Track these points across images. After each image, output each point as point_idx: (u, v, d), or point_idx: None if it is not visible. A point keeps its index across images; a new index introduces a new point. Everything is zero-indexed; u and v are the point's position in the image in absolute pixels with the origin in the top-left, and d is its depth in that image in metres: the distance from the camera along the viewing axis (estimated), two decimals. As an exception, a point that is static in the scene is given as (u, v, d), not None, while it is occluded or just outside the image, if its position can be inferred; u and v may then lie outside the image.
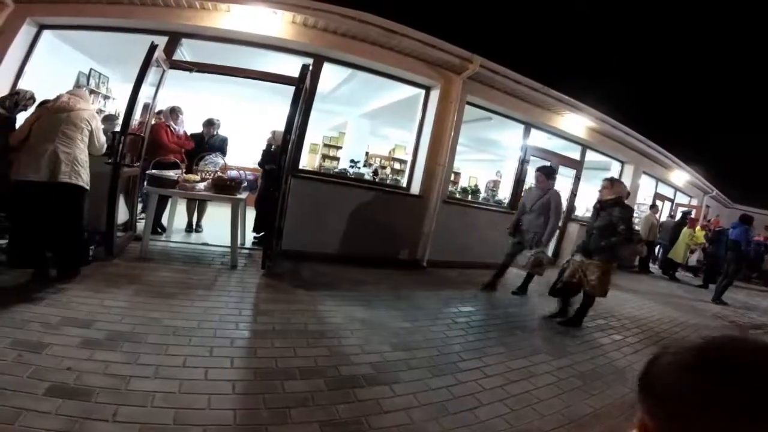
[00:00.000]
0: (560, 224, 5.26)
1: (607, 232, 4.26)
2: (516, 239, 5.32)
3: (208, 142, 5.66)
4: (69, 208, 3.35)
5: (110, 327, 2.69)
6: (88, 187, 3.44)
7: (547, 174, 5.31)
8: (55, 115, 3.38)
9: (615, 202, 4.33)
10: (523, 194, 5.87)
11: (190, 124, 5.88)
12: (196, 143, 5.56)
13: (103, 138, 3.70)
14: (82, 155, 3.42)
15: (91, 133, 3.53)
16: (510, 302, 5.07)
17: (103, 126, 3.99)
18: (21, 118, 4.33)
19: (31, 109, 4.21)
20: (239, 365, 2.54)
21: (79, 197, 3.41)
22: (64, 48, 6.44)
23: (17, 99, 4.00)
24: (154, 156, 4.82)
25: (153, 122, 5.24)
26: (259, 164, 5.98)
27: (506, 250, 5.41)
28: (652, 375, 0.55)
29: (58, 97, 3.53)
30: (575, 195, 8.64)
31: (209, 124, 5.77)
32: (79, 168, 3.36)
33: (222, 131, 5.96)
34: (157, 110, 5.24)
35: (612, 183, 4.50)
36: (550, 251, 5.33)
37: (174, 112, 5.47)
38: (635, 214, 10.89)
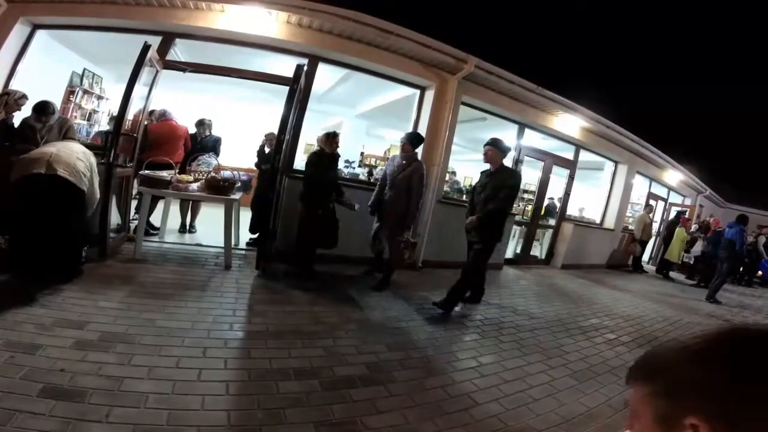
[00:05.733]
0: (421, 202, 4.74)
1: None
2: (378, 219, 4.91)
3: (201, 142, 5.65)
4: (68, 205, 3.34)
5: (104, 328, 2.68)
6: (85, 189, 3.45)
7: (412, 140, 4.86)
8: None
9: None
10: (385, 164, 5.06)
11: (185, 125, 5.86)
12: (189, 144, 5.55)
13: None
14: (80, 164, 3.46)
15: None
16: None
17: (108, 127, 4.01)
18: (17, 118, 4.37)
19: (25, 109, 4.21)
20: (233, 366, 2.54)
21: (80, 196, 3.41)
22: (58, 47, 6.41)
23: (7, 99, 3.99)
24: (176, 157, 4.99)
25: (178, 123, 5.45)
26: (256, 165, 5.97)
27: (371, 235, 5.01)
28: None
29: None
30: (569, 194, 8.68)
31: (200, 124, 5.76)
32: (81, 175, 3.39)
33: (216, 131, 5.94)
34: (149, 110, 5.25)
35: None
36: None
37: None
38: (629, 214, 11.05)
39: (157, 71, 4.85)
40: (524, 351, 3.57)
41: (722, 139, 24.65)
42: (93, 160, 3.65)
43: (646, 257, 11.62)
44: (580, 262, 8.93)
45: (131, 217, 5.13)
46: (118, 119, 4.10)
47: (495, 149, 4.35)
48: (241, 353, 2.75)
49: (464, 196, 8.20)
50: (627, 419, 0.62)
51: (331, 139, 4.64)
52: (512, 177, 4.34)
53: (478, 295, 4.79)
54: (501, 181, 4.22)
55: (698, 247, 10.26)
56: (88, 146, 3.96)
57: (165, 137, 5.21)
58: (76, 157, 3.41)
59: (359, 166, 9.92)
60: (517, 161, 7.49)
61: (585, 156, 8.84)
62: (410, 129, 6.28)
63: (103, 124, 7.89)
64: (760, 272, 11.50)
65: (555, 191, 9.43)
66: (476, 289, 4.74)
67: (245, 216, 5.72)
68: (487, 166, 4.45)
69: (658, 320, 5.53)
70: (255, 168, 6.09)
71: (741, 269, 10.79)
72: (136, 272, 3.88)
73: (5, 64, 4.96)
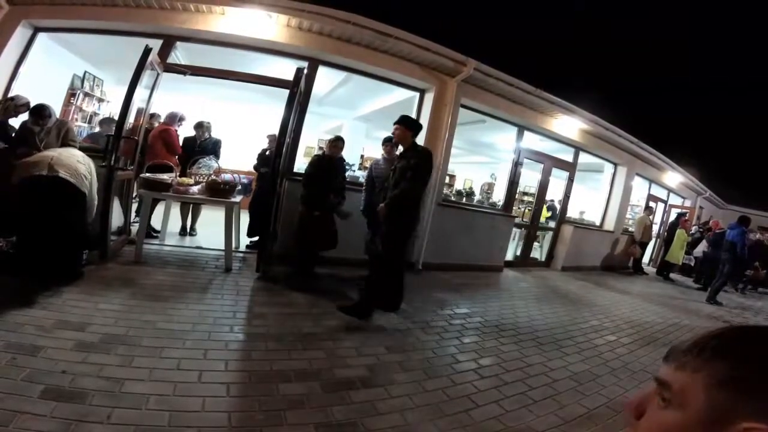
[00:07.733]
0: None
1: None
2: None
3: (201, 145, 5.65)
4: (69, 207, 3.35)
5: (105, 330, 2.68)
6: (86, 191, 3.46)
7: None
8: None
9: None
10: (372, 165, 5.07)
11: (184, 128, 5.87)
12: (189, 147, 5.56)
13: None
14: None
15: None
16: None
17: (99, 129, 4.03)
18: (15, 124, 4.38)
19: (24, 116, 4.23)
20: (234, 368, 2.55)
21: (81, 198, 3.42)
22: (59, 50, 6.43)
23: (9, 105, 4.01)
24: (161, 159, 4.95)
25: (173, 127, 5.45)
26: (255, 167, 5.98)
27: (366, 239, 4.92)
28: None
29: None
30: (568, 197, 8.68)
31: (199, 126, 5.76)
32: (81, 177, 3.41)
33: (216, 134, 5.95)
34: (150, 113, 5.27)
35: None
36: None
37: (179, 119, 5.54)
38: (628, 216, 11.06)
39: (158, 74, 4.87)
40: (524, 353, 3.57)
41: (722, 140, 24.64)
42: (93, 165, 3.67)
43: (646, 259, 11.63)
44: (580, 264, 8.93)
45: (132, 220, 5.14)
46: (119, 122, 4.11)
47: (402, 127, 3.89)
48: (242, 355, 2.76)
49: (464, 199, 8.22)
50: (647, 398, 0.51)
51: (332, 143, 4.79)
52: (418, 155, 3.77)
53: (395, 301, 4.02)
54: (407, 162, 3.76)
55: (701, 248, 10.23)
56: (81, 148, 3.99)
57: (151, 139, 5.26)
58: (76, 160, 3.44)
59: (359, 168, 9.92)
60: (517, 163, 7.50)
61: (584, 158, 8.85)
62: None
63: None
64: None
65: (555, 194, 9.44)
66: (388, 294, 3.95)
67: (246, 219, 5.73)
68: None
69: (658, 322, 5.53)
70: (254, 170, 6.09)
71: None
72: (137, 275, 3.88)
73: (7, 66, 4.97)
